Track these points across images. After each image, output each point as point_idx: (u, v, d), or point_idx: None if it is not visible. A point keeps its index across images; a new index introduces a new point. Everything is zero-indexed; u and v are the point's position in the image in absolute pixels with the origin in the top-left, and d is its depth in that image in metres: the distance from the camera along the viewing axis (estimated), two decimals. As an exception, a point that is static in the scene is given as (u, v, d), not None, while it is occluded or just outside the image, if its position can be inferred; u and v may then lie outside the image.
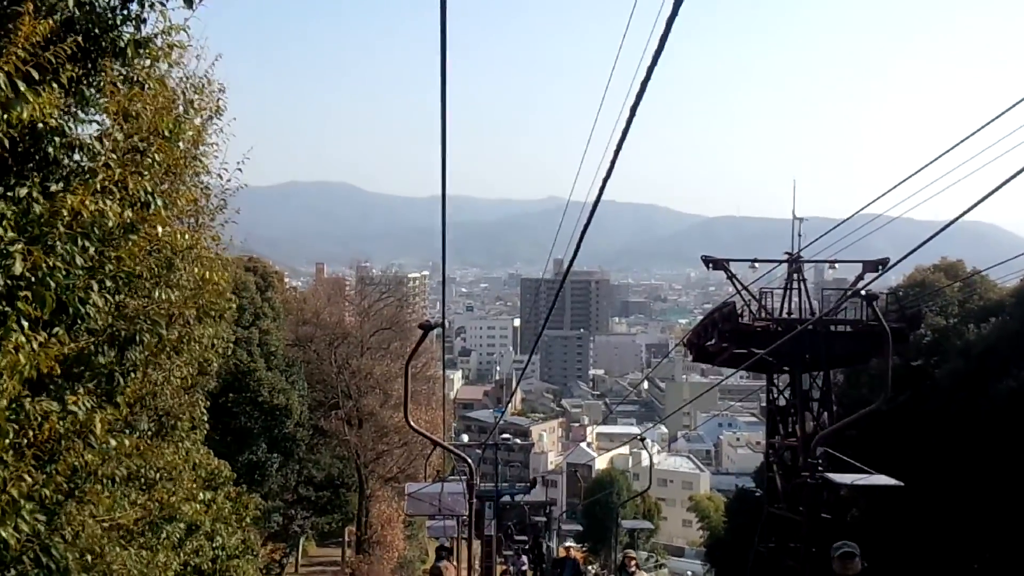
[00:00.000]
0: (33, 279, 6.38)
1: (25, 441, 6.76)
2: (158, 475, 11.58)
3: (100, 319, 7.72)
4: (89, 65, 7.67)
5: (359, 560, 47.25)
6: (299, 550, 52.27)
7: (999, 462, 27.62)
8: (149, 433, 11.43)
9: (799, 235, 27.83)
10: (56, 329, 7.05)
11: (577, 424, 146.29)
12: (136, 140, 7.83)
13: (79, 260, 6.85)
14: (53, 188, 7.09)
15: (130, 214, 7.42)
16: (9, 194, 6.78)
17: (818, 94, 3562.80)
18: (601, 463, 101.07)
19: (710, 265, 28.15)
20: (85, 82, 7.63)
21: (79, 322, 7.37)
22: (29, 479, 6.72)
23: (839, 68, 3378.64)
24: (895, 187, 12.94)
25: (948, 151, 10.97)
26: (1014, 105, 9.05)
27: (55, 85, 6.79)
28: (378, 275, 69.38)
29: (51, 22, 6.79)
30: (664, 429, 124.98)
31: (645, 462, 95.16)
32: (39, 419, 6.75)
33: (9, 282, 6.33)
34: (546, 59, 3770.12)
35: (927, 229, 8.59)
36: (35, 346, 6.41)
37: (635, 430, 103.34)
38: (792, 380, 26.85)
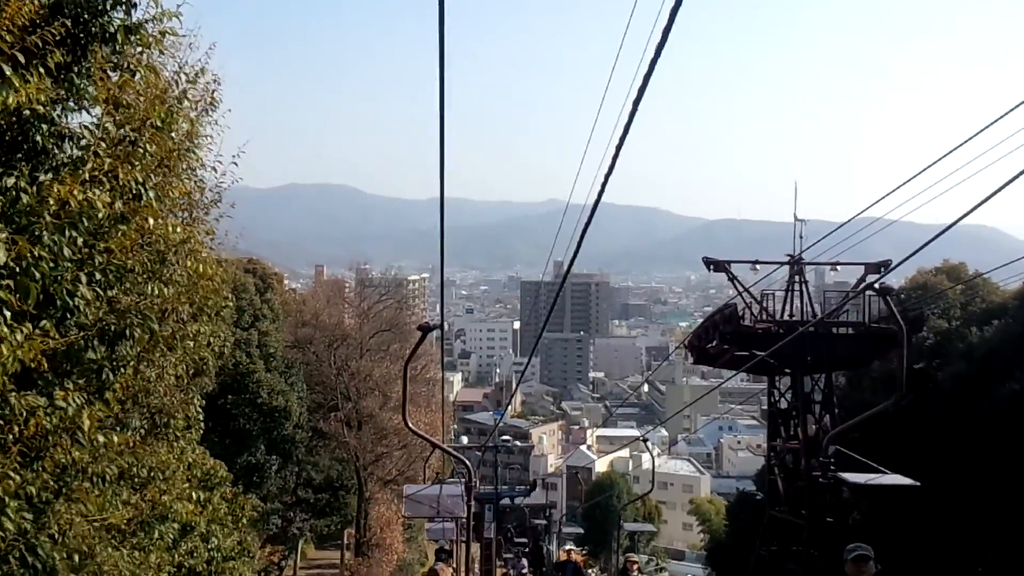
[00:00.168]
0: (17, 269, 6.20)
1: (11, 437, 6.59)
2: (151, 474, 11.41)
3: (90, 313, 7.56)
4: (78, 51, 7.49)
5: (358, 563, 47.12)
6: (298, 552, 52.06)
7: (1002, 465, 27.46)
8: (141, 431, 11.22)
9: (801, 237, 27.70)
10: (43, 322, 6.86)
11: (577, 427, 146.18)
12: (128, 130, 7.66)
13: (67, 251, 6.68)
14: (42, 178, 6.92)
15: (120, 206, 7.24)
16: (-4, 183, 6.62)
17: (818, 94, 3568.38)
18: (601, 466, 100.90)
19: (711, 267, 28.02)
20: (75, 69, 7.45)
21: (68, 316, 7.21)
22: (15, 476, 6.56)
23: (839, 68, 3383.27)
24: (895, 190, 12.86)
25: (948, 154, 10.90)
26: (1014, 108, 8.96)
27: (42, 70, 6.61)
28: (378, 277, 68.98)
29: (37, 3, 6.62)
30: (664, 432, 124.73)
31: (645, 465, 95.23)
32: (25, 414, 6.58)
33: (-8, 272, 6.15)
34: (546, 61, 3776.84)
35: (927, 232, 8.55)
36: (19, 338, 6.23)
37: (635, 433, 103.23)
38: (794, 382, 26.73)
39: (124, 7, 7.80)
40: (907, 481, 19.95)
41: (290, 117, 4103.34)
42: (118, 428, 9.58)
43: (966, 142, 10.52)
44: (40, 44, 6.49)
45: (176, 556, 13.15)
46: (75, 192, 6.61)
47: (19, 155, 7.02)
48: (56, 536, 8.00)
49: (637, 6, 7.25)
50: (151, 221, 7.83)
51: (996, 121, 9.65)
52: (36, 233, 6.49)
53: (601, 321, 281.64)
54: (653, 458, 47.86)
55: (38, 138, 6.88)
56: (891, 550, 29.79)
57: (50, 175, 7.06)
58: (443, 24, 5.52)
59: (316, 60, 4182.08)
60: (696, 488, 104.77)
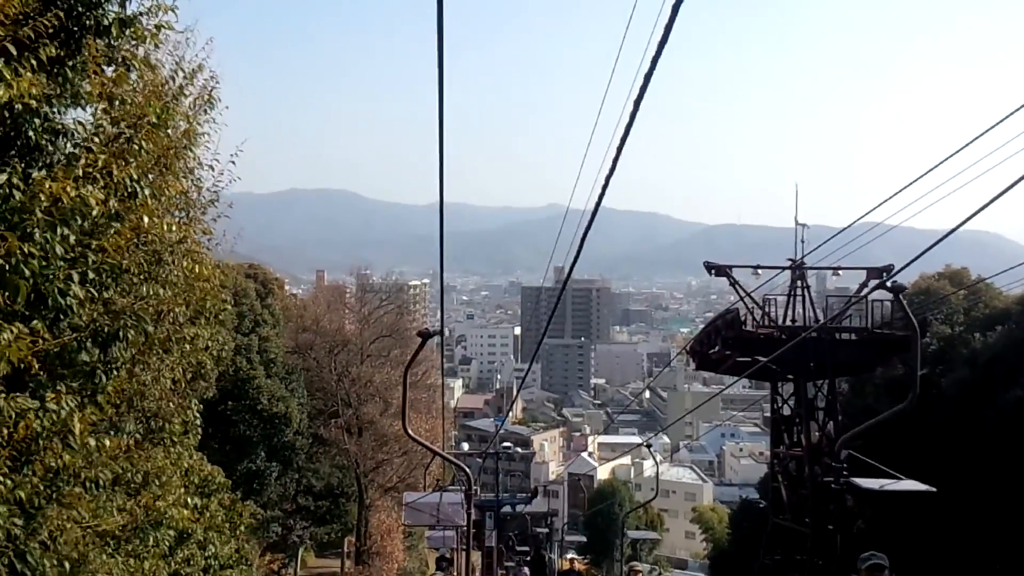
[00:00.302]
0: (7, 267, 6.03)
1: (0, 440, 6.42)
2: (146, 480, 11.22)
3: (84, 314, 7.39)
4: (72, 44, 7.32)
5: (358, 571, 46.95)
6: (298, 560, 51.80)
7: (1006, 472, 27.29)
8: (136, 436, 11.03)
9: (803, 241, 27.58)
10: (35, 322, 6.69)
11: (578, 433, 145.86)
12: (123, 126, 7.50)
13: (59, 249, 6.51)
14: (36, 175, 6.75)
15: (115, 203, 7.08)
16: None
17: (818, 96, 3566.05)
18: (603, 473, 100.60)
19: (712, 271, 27.90)
20: (68, 63, 7.28)
21: (62, 317, 7.04)
22: (4, 481, 6.39)
23: (839, 68, 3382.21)
24: (895, 195, 12.74)
25: (947, 159, 10.79)
26: (1014, 111, 8.87)
27: (34, 62, 6.45)
28: (378, 282, 68.81)
29: (29, -6, 6.45)
30: (666, 439, 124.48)
31: (647, 472, 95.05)
32: (15, 417, 6.40)
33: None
34: (546, 65, 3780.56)
35: (928, 238, 8.57)
36: (8, 338, 6.06)
37: (637, 440, 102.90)
38: (797, 389, 26.55)
39: (119, -1, 7.63)
40: (923, 487, 19.63)
41: (291, 123, 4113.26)
42: (112, 432, 9.39)
43: (966, 147, 10.42)
44: (32, 36, 6.34)
45: (172, 564, 12.96)
46: (68, 189, 6.45)
47: (12, 152, 6.86)
48: (47, 542, 7.83)
49: (636, 9, 7.25)
50: (146, 220, 7.68)
51: (996, 125, 9.56)
52: (27, 230, 6.33)
53: (602, 327, 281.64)
54: (657, 464, 47.71)
55: (31, 134, 6.73)
56: (896, 558, 29.59)
57: (44, 172, 6.89)
58: (441, 29, 5.44)
59: (316, 66, 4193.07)
60: (698, 496, 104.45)
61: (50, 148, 7.10)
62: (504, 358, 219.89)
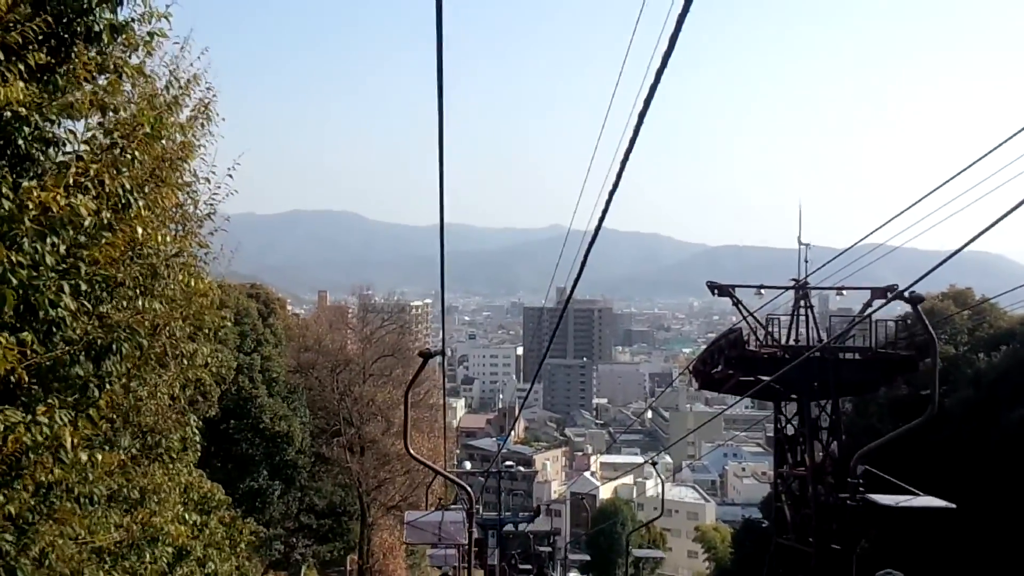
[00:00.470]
0: (-8, 275, 5.91)
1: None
2: (143, 496, 11.09)
3: (77, 327, 7.27)
4: (61, 51, 7.22)
5: (360, 589, 46.69)
6: (299, 579, 51.61)
7: (1011, 492, 27.11)
8: (132, 451, 10.90)
9: (806, 261, 27.47)
10: (24, 334, 6.57)
11: (581, 453, 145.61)
12: (116, 136, 7.40)
13: (49, 259, 6.40)
14: (25, 185, 6.64)
15: (107, 214, 6.97)
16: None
17: (820, 116, 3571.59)
18: (605, 492, 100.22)
19: (715, 291, 27.75)
20: (58, 70, 7.17)
21: (55, 329, 6.93)
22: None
23: (842, 89, 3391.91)
24: (898, 215, 12.67)
25: (951, 179, 10.74)
26: (1017, 132, 8.82)
27: (22, 67, 6.36)
28: (380, 302, 68.75)
29: (16, -2, 6.35)
30: (669, 459, 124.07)
31: (649, 492, 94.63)
32: (3, 429, 6.28)
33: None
34: (548, 86, 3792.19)
35: (931, 258, 8.51)
36: (-6, 347, 5.95)
37: (639, 459, 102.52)
38: (800, 408, 26.36)
39: (110, 5, 7.53)
40: (942, 503, 19.42)
41: (294, 144, 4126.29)
42: (107, 447, 9.27)
43: (969, 167, 10.41)
44: (20, 42, 6.25)
45: (170, 581, 12.82)
46: (57, 198, 6.35)
47: (2, 161, 6.77)
48: (39, 558, 7.69)
49: (638, 31, 7.26)
50: (140, 231, 7.56)
51: (999, 146, 9.52)
52: (16, 239, 6.22)
53: (604, 347, 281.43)
54: (663, 481, 47.42)
55: (21, 143, 6.63)
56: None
57: (34, 181, 6.79)
58: (440, 50, 5.43)
59: (319, 89, 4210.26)
60: (701, 515, 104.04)
61: (40, 157, 6.99)
62: (506, 378, 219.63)
